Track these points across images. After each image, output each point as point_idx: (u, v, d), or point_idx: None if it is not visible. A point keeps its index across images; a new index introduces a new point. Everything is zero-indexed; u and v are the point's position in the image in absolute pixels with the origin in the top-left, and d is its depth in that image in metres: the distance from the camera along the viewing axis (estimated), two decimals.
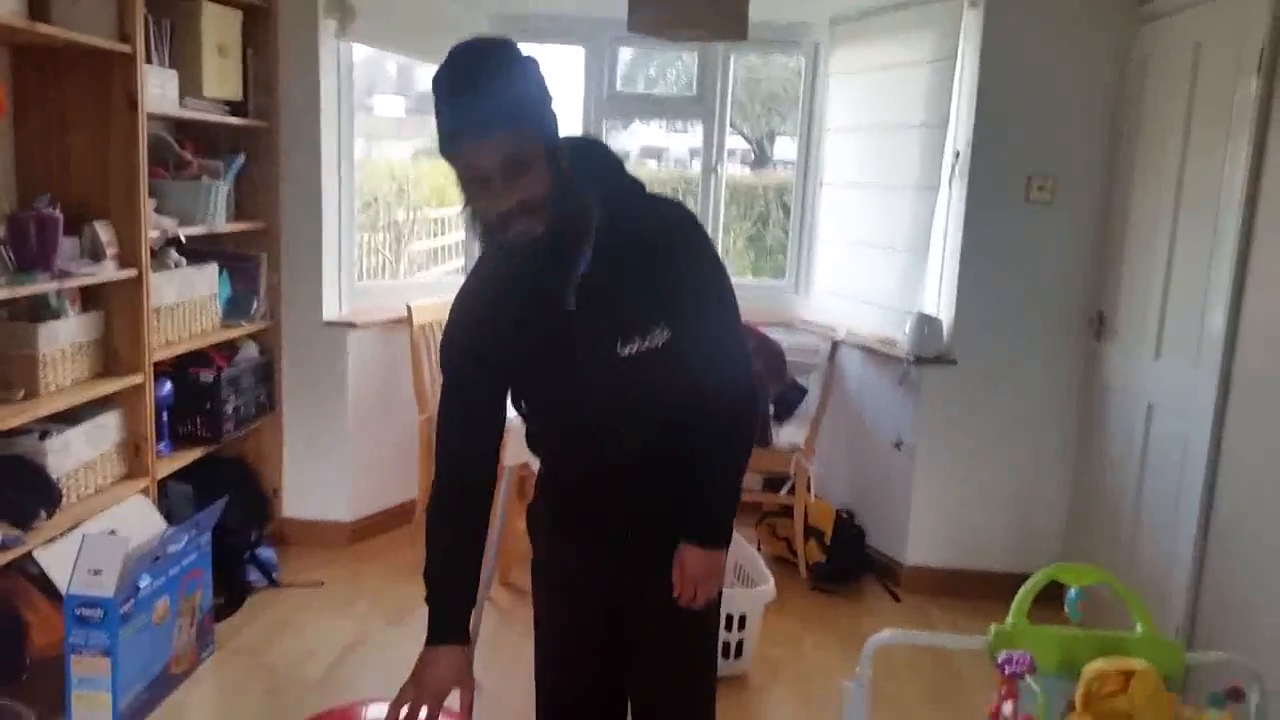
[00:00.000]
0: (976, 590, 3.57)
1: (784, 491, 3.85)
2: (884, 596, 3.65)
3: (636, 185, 1.59)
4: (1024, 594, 2.26)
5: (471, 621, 1.66)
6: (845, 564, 3.74)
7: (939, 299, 3.62)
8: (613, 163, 1.59)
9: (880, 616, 3.45)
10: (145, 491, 2.88)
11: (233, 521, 3.19)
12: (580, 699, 1.78)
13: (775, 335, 4.02)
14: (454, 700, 1.56)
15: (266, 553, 3.44)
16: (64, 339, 2.59)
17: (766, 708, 2.84)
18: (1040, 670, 2.01)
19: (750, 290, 4.07)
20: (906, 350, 3.60)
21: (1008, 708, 1.85)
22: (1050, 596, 2.29)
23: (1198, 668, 2.20)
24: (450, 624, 1.59)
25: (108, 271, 2.65)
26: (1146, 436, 3.06)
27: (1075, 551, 3.48)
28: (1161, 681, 1.84)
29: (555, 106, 1.46)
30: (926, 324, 3.55)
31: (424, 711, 1.50)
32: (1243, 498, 2.57)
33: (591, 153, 1.56)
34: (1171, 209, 2.97)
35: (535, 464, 3.06)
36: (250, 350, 3.53)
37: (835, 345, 3.85)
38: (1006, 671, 1.90)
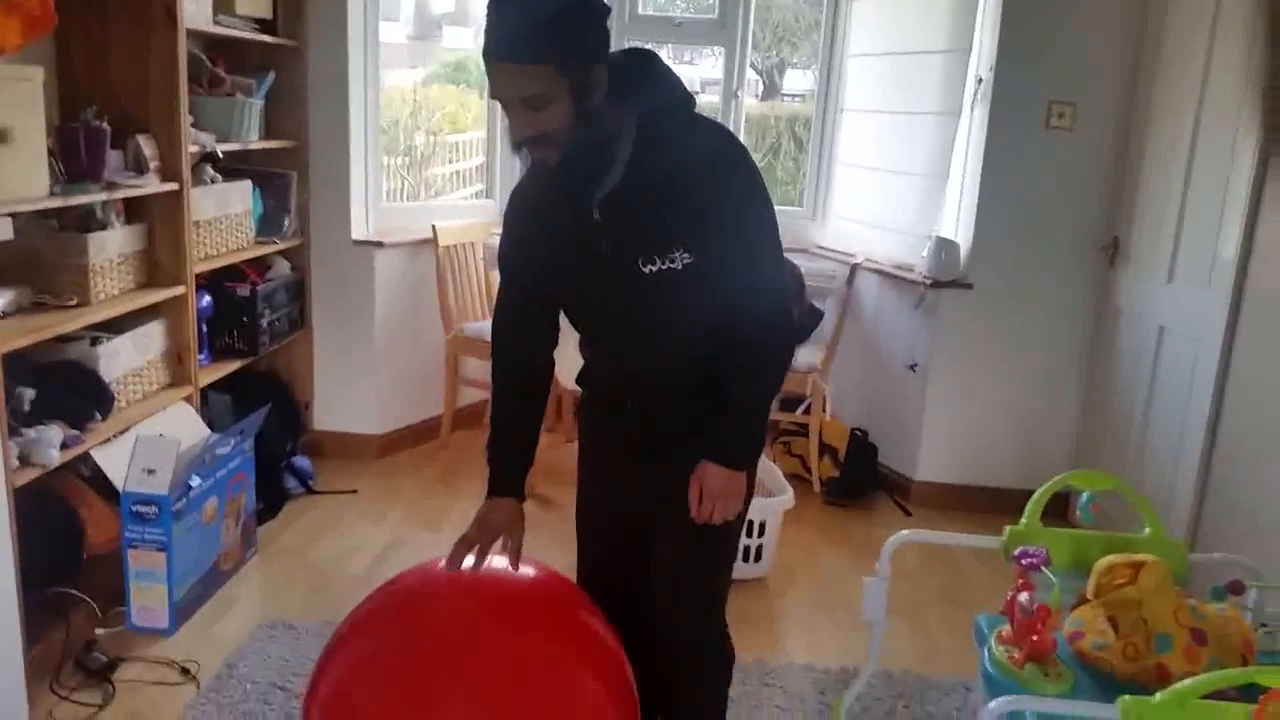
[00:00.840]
0: (984, 505, 3.70)
1: (800, 411, 3.96)
2: (895, 511, 3.78)
3: (684, 105, 1.60)
4: (1038, 498, 2.38)
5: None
6: (858, 480, 3.87)
7: (957, 224, 3.69)
8: (661, 79, 1.59)
9: (891, 529, 3.52)
10: (189, 399, 2.99)
11: (269, 431, 3.30)
12: (612, 570, 1.91)
13: (794, 261, 4.09)
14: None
15: (302, 462, 3.56)
16: (111, 249, 2.67)
17: (785, 607, 2.98)
18: (1053, 567, 2.12)
19: None
20: (923, 274, 3.68)
21: (1024, 597, 1.97)
22: (1055, 511, 2.42)
23: (1200, 567, 2.32)
24: (508, 482, 1.80)
25: (152, 184, 2.72)
26: (1157, 357, 3.16)
27: (1082, 467, 3.59)
28: (1169, 573, 1.96)
29: (599, 36, 1.46)
30: (944, 248, 3.62)
31: (497, 546, 1.71)
32: (1248, 414, 2.68)
33: (641, 68, 1.57)
34: (1189, 137, 3.02)
35: (568, 384, 3.16)
36: (282, 267, 3.61)
37: (853, 270, 3.93)
38: (1023, 564, 2.02)
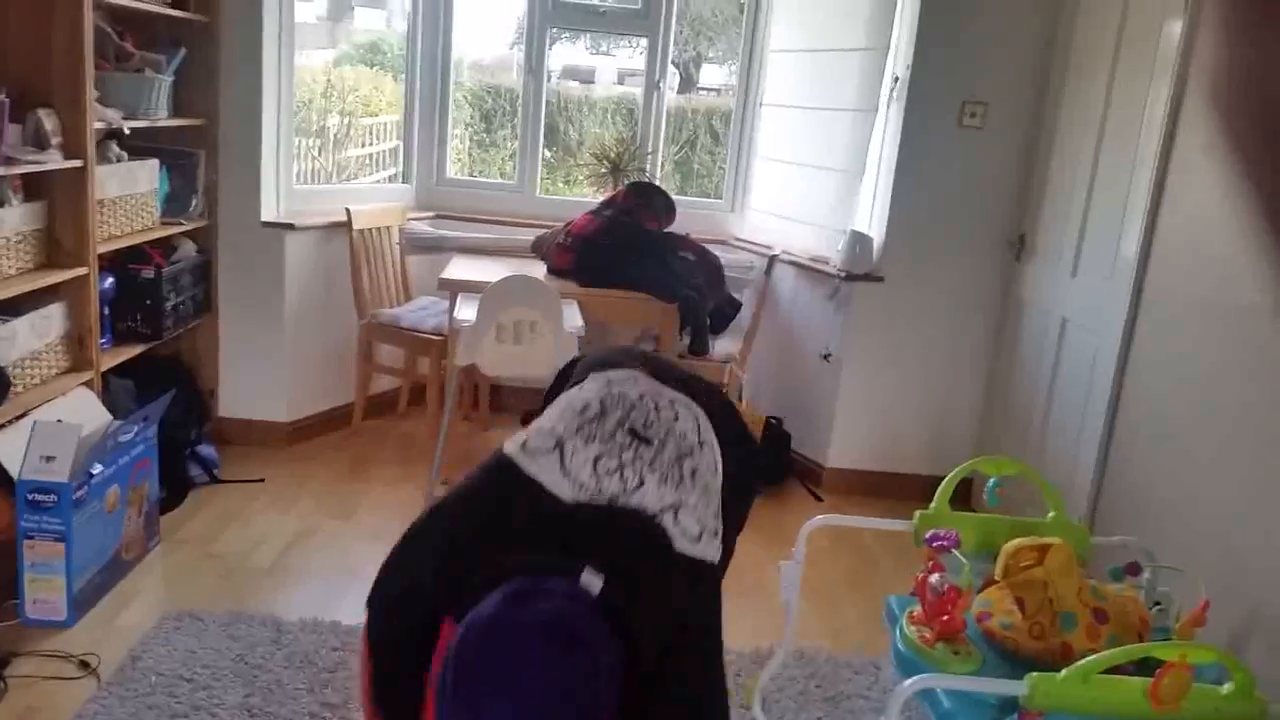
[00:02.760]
0: (893, 491, 3.79)
1: None
2: (807, 497, 3.86)
3: None
4: (947, 483, 2.45)
5: None
6: (771, 467, 3.93)
7: (871, 218, 3.77)
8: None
9: (803, 514, 3.59)
10: (89, 384, 2.87)
11: (173, 418, 3.19)
12: None
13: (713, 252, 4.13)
14: None
15: (207, 449, 3.45)
16: (8, 227, 2.55)
17: None
18: (961, 549, 2.19)
19: (688, 208, 4.16)
20: (838, 267, 3.75)
21: (935, 578, 2.03)
22: (961, 497, 2.50)
23: (1100, 549, 2.43)
24: None
25: (53, 160, 2.60)
26: (1059, 349, 3.28)
27: (987, 454, 3.71)
28: (1073, 555, 2.04)
29: None
30: (858, 242, 3.70)
31: None
32: (1144, 403, 2.80)
33: None
34: (1095, 138, 3.15)
35: (484, 365, 3.14)
36: (188, 249, 3.49)
37: (771, 261, 3.98)
38: (934, 546, 2.08)
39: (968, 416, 3.87)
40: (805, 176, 4.06)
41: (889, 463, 3.92)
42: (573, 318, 3.27)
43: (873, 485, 3.88)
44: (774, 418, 4.03)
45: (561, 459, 1.27)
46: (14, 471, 2.43)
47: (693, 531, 1.27)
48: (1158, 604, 2.16)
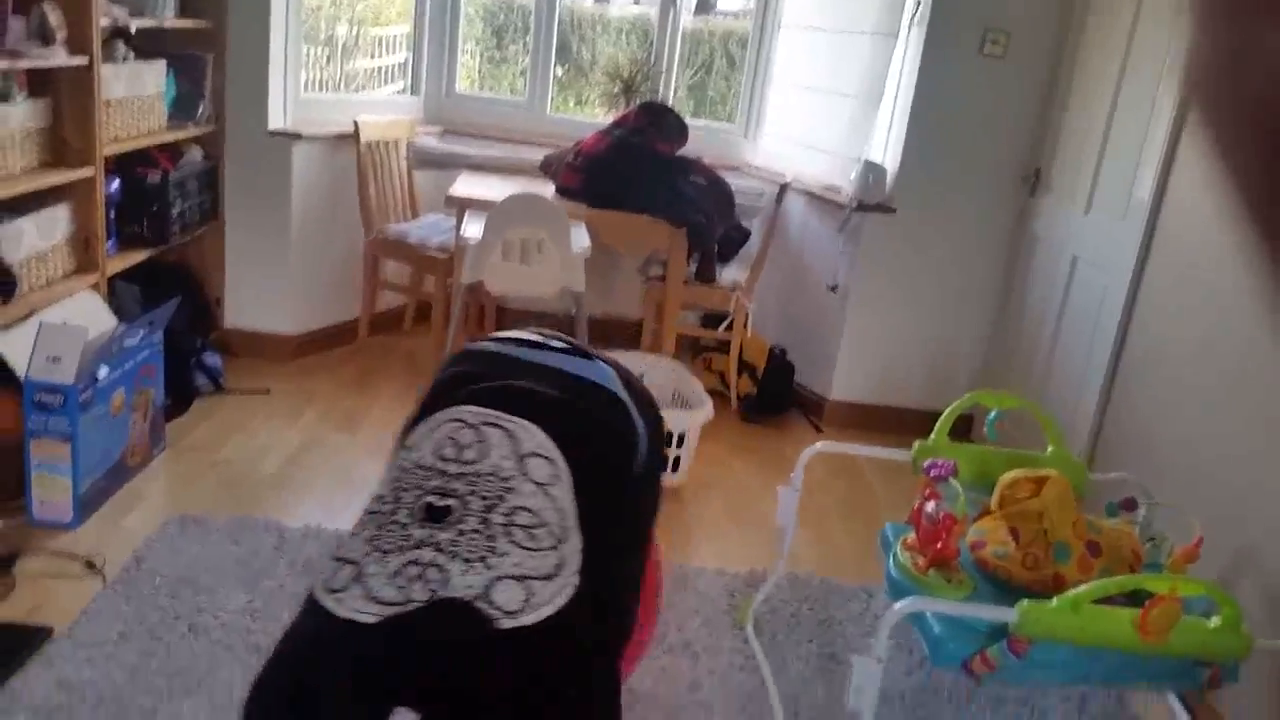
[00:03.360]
0: (893, 425, 3.81)
1: (722, 328, 3.99)
2: (808, 429, 3.87)
3: None
4: (947, 414, 2.46)
5: None
6: (774, 398, 3.94)
7: (886, 148, 3.72)
8: None
9: (803, 445, 3.61)
10: (95, 288, 2.87)
11: (178, 326, 3.19)
12: None
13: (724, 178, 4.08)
14: None
15: (212, 359, 3.46)
16: (13, 123, 2.52)
17: (699, 516, 3.05)
18: (959, 481, 2.20)
19: (700, 132, 4.10)
20: (850, 197, 3.71)
21: (931, 506, 2.04)
22: (961, 433, 2.50)
23: (1098, 485, 2.44)
24: None
25: (59, 56, 2.56)
26: (1069, 286, 3.26)
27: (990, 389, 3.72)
28: (1070, 488, 2.05)
29: None
30: (872, 171, 3.65)
31: None
32: (1150, 343, 2.79)
33: None
34: (1116, 75, 3.08)
35: (490, 283, 3.13)
36: (195, 155, 3.45)
37: (782, 189, 3.93)
38: (932, 474, 2.09)
39: (972, 353, 3.86)
40: (821, 102, 3.99)
41: (891, 397, 3.92)
42: (580, 238, 3.25)
43: (874, 419, 3.89)
44: (779, 348, 4.02)
45: (364, 587, 1.18)
46: (20, 371, 2.44)
47: (514, 603, 1.18)
48: (1152, 539, 2.18)
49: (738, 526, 3.01)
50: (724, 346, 3.99)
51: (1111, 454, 2.87)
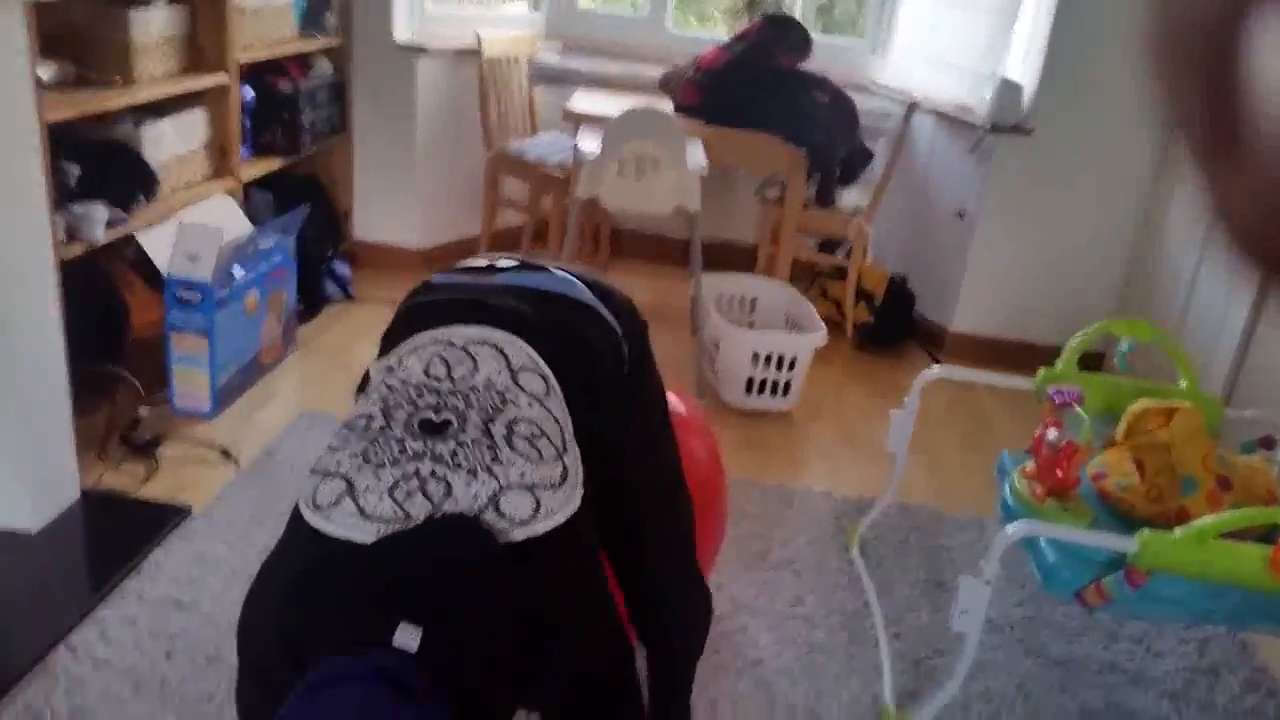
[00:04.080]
0: (1016, 361, 3.66)
1: (840, 254, 3.91)
2: (925, 359, 3.78)
3: None
4: (1077, 342, 2.36)
5: None
6: (891, 327, 3.85)
7: (1024, 64, 3.53)
8: None
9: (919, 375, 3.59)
10: (231, 193, 2.98)
11: (310, 234, 3.30)
12: None
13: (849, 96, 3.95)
14: None
15: (342, 268, 3.58)
16: (155, 29, 2.61)
17: (809, 439, 3.03)
18: (1085, 412, 2.12)
19: (825, 48, 3.96)
20: (983, 118, 3.55)
21: (1053, 434, 1.97)
22: (1091, 368, 2.39)
23: (1233, 424, 2.32)
24: None
25: None
26: None
27: None
28: (1202, 421, 1.95)
29: None
30: (1007, 90, 3.48)
31: None
32: None
33: None
34: None
35: (605, 199, 3.13)
36: (324, 67, 3.53)
37: (910, 108, 3.79)
38: (1056, 401, 2.02)
39: (1106, 288, 3.68)
40: (954, 15, 3.80)
41: (1016, 331, 3.79)
42: (696, 156, 3.20)
43: (997, 353, 3.77)
44: (899, 276, 3.92)
45: (357, 504, 1.10)
46: (163, 267, 2.57)
47: (524, 512, 1.12)
48: None
49: (849, 452, 2.98)
50: (841, 273, 3.91)
51: (1253, 392, 2.72)
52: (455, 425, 1.17)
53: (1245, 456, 2.05)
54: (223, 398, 2.70)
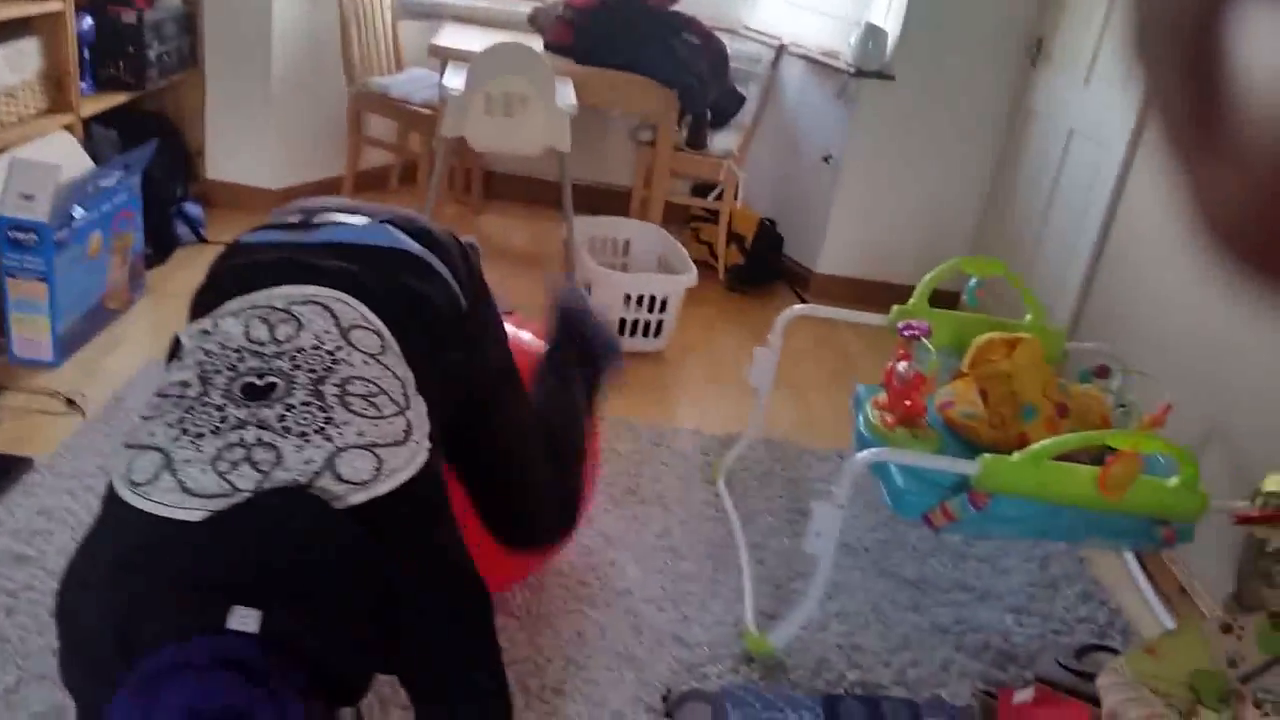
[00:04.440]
0: (880, 301, 3.75)
1: (712, 197, 3.94)
2: (793, 299, 3.86)
3: None
4: (928, 280, 2.45)
5: None
6: (761, 269, 3.92)
7: (888, 11, 3.60)
8: None
9: None
10: (70, 129, 2.80)
11: (158, 174, 3.14)
12: None
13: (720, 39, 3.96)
14: None
15: (194, 208, 3.42)
16: None
17: (679, 379, 3.07)
18: (934, 344, 2.21)
19: None
20: (849, 62, 3.61)
21: (902, 366, 2.05)
22: (945, 305, 2.49)
23: (1075, 355, 2.45)
24: None
25: None
26: (1063, 160, 3.21)
27: None
28: (1041, 351, 2.06)
29: None
30: (872, 36, 3.55)
31: None
32: (1139, 219, 2.77)
33: None
34: None
35: (471, 138, 3.07)
36: None
37: (779, 52, 3.83)
38: (905, 334, 2.09)
39: (963, 228, 3.83)
40: None
41: (879, 271, 3.91)
42: (566, 95, 3.17)
43: (861, 293, 3.88)
44: (768, 219, 3.98)
45: (176, 478, 1.02)
46: None
47: (364, 473, 1.07)
48: (1123, 406, 2.20)
49: (718, 390, 3.04)
50: (713, 216, 3.95)
51: (1094, 327, 2.88)
52: (282, 388, 1.11)
53: (1082, 385, 2.17)
54: (66, 345, 2.56)
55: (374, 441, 1.09)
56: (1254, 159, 0.25)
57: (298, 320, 1.19)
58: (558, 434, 1.66)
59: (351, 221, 1.37)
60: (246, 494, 1.01)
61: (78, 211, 2.52)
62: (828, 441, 2.80)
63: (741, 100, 4.00)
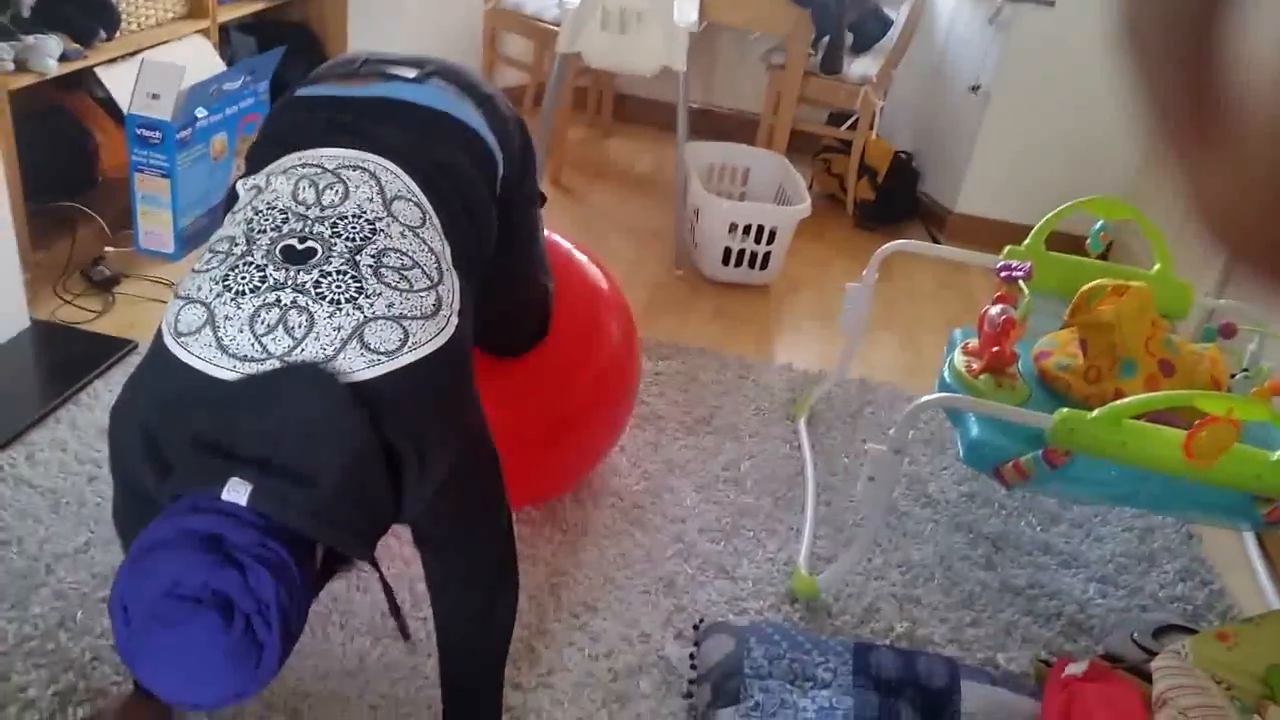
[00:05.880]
0: (1018, 242, 3.54)
1: (845, 126, 3.76)
2: (925, 239, 3.66)
3: None
4: (1047, 220, 2.27)
5: None
6: (893, 206, 3.73)
7: None
8: None
9: None
10: (206, 34, 2.92)
11: (292, 80, 3.24)
12: None
13: None
14: None
15: None
16: None
17: (781, 313, 2.97)
18: (1042, 290, 2.05)
19: None
20: None
21: (995, 310, 1.90)
22: (1073, 250, 2.28)
23: (1208, 313, 2.22)
24: None
25: None
26: None
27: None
28: (1150, 301, 1.87)
29: None
30: None
31: None
32: None
33: None
34: None
35: (586, 54, 3.02)
36: None
37: None
38: (1003, 276, 1.94)
39: (1122, 170, 3.51)
40: None
41: (1026, 213, 3.62)
42: (687, 12, 3.06)
43: (999, 235, 3.60)
44: (904, 152, 3.77)
45: (216, 334, 1.08)
46: (124, 105, 2.55)
47: (390, 343, 1.10)
48: (1245, 371, 1.98)
49: (820, 329, 2.92)
50: (846, 147, 3.77)
51: (1246, 283, 2.60)
52: (320, 254, 1.15)
53: (1200, 344, 1.96)
54: (187, 240, 2.70)
55: (403, 314, 1.13)
56: (1253, 160, 0.24)
57: (345, 186, 1.23)
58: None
59: (403, 74, 1.39)
60: (276, 361, 1.07)
61: (200, 112, 2.63)
62: (931, 388, 2.64)
63: (887, 24, 3.77)
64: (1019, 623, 1.89)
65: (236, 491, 1.01)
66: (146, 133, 2.54)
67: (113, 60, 2.57)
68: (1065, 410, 1.62)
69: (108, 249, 2.62)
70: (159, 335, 1.14)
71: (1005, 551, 2.07)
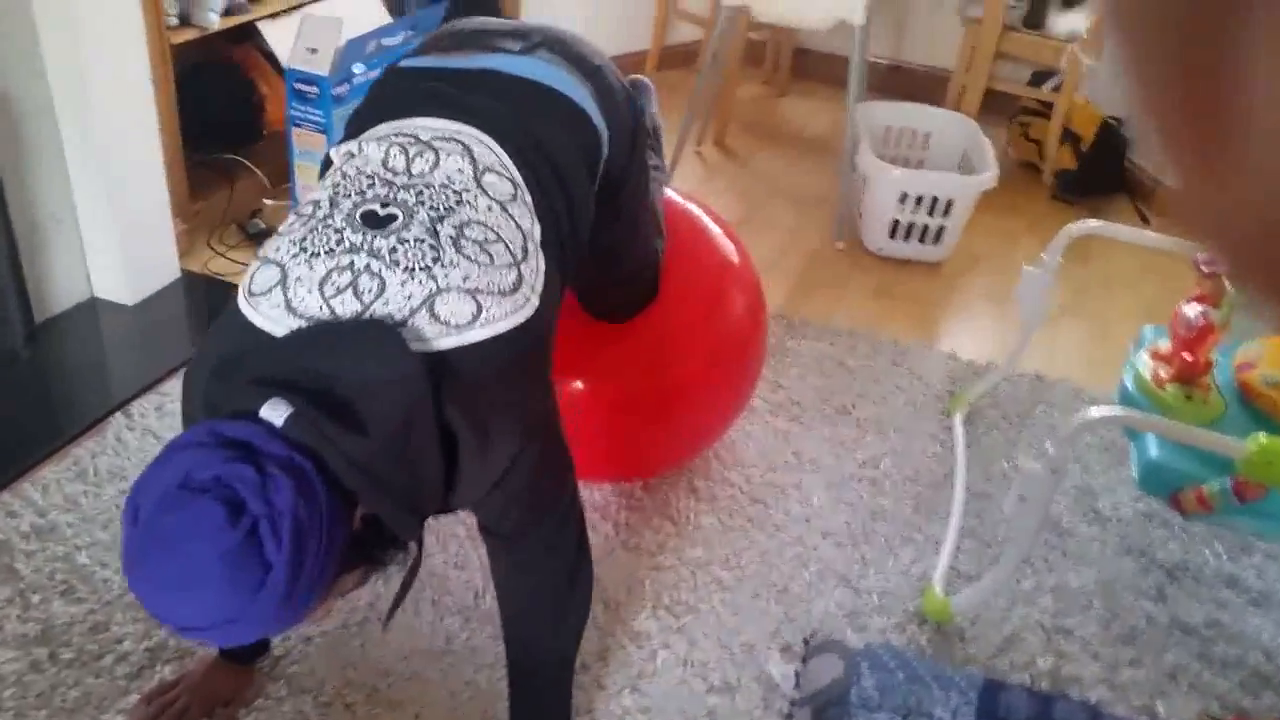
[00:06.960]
0: None
1: (1048, 87, 3.40)
2: (1132, 217, 3.27)
3: None
4: None
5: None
6: (1098, 177, 3.34)
7: None
8: None
9: None
10: None
11: None
12: None
13: None
14: None
15: None
16: None
17: (951, 294, 2.71)
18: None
19: None
20: None
21: (1192, 310, 1.63)
22: None
23: None
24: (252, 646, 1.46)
25: None
26: None
27: None
28: None
29: None
30: None
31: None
32: None
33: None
34: None
35: (757, 9, 2.83)
36: None
37: None
38: (1204, 269, 1.66)
39: None
40: None
41: None
42: None
43: None
44: (1114, 118, 3.37)
45: (285, 295, 1.05)
46: (284, 59, 2.58)
47: (462, 316, 1.05)
48: None
49: (996, 314, 2.64)
50: (1047, 110, 3.41)
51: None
52: (400, 221, 1.11)
53: None
54: None
55: (478, 287, 1.09)
56: (1259, 177, 0.22)
57: (436, 155, 1.19)
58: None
59: (508, 46, 1.35)
60: (342, 319, 1.04)
61: (358, 67, 2.63)
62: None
63: None
64: (1188, 667, 1.62)
65: (275, 410, 0.96)
66: (304, 87, 2.55)
67: (275, 15, 2.61)
68: (1263, 437, 1.35)
69: (266, 201, 2.68)
70: (235, 297, 1.12)
71: (1182, 583, 1.79)
